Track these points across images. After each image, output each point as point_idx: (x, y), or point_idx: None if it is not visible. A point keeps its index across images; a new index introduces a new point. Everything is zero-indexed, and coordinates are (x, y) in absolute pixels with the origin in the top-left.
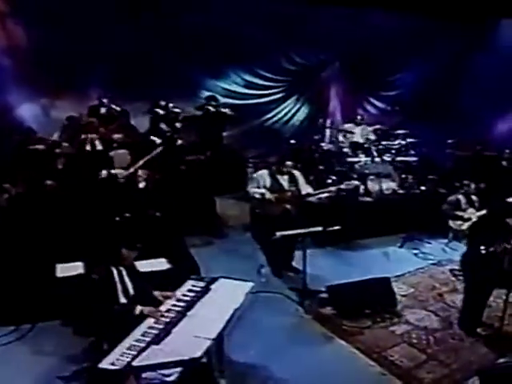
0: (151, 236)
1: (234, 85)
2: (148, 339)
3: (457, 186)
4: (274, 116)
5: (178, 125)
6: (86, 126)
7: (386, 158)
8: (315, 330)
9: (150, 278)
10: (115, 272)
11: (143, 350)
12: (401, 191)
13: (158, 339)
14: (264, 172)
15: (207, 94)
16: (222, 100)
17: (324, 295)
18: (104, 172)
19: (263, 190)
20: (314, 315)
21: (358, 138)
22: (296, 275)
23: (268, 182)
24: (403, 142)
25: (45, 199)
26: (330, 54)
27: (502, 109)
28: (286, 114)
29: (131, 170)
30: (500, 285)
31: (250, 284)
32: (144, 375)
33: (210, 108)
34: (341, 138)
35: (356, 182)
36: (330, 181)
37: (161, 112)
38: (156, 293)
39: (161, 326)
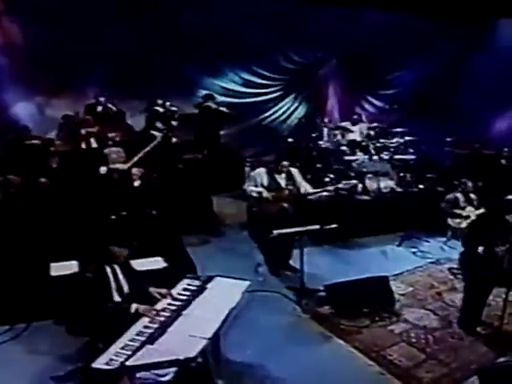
0: (147, 234)
1: (232, 83)
2: (143, 339)
3: (455, 184)
4: (271, 114)
5: (174, 123)
6: (81, 123)
7: (384, 156)
8: (313, 329)
9: (147, 276)
10: (109, 270)
11: (138, 349)
12: (399, 189)
13: (152, 339)
14: (261, 170)
15: (205, 92)
16: (220, 98)
17: (322, 294)
18: (103, 168)
19: (260, 189)
20: (312, 314)
21: (355, 136)
22: (293, 274)
23: (265, 181)
24: (401, 140)
25: (38, 197)
26: (327, 52)
27: (500, 107)
28: (283, 113)
29: (128, 164)
30: (499, 283)
31: (247, 283)
32: (138, 375)
33: (209, 105)
34: (338, 137)
35: (354, 181)
36: (327, 179)
37: (157, 110)
38: (151, 289)
39: (156, 326)
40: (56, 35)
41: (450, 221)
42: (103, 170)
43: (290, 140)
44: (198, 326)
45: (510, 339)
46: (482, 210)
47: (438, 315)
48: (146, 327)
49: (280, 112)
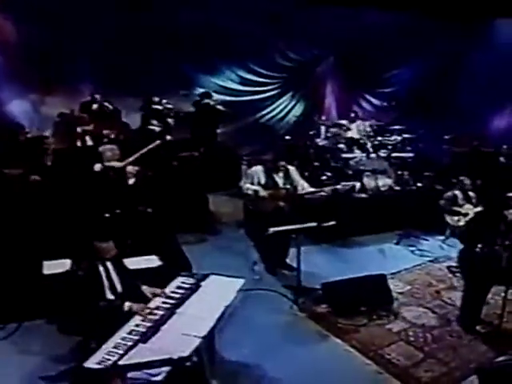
0: (142, 232)
1: (229, 81)
2: (135, 337)
3: (454, 182)
4: (268, 113)
5: (170, 121)
6: (77, 121)
7: (382, 153)
8: (310, 328)
9: (141, 275)
10: (101, 268)
11: (130, 348)
12: (397, 188)
13: (145, 337)
14: (258, 168)
15: (201, 90)
16: (217, 97)
17: (319, 292)
18: (98, 166)
19: (257, 187)
20: (309, 313)
21: (353, 133)
22: (290, 272)
23: (262, 179)
24: (399, 138)
25: (31, 194)
26: (324, 50)
27: (498, 105)
28: (281, 111)
29: (124, 162)
30: (499, 282)
31: (242, 281)
32: (130, 375)
33: (206, 103)
34: (337, 135)
35: (352, 183)
36: (325, 177)
37: (153, 108)
38: (144, 287)
39: (149, 324)
40: (51, 32)
41: (448, 218)
42: (98, 167)
43: (287, 138)
44: (191, 324)
45: (510, 338)
46: (480, 208)
47: (437, 314)
48: (138, 326)
49: (277, 110)
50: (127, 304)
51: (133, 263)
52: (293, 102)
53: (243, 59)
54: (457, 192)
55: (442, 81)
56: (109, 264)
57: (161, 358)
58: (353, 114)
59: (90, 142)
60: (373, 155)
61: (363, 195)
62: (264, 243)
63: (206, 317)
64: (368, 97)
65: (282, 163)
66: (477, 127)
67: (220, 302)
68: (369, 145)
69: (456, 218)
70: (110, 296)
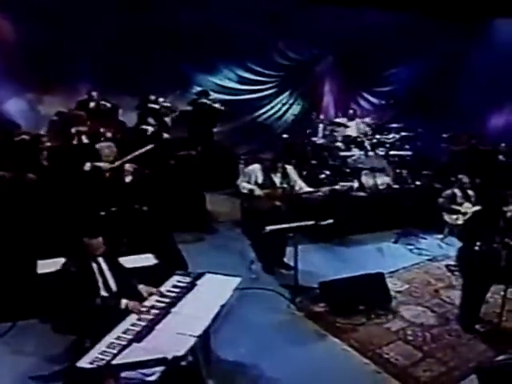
0: (138, 231)
1: (227, 80)
2: (130, 337)
3: (452, 180)
4: (266, 111)
5: (167, 119)
6: (73, 119)
7: (380, 152)
8: (307, 327)
9: (137, 273)
10: (94, 265)
11: (124, 348)
12: (395, 186)
13: (139, 337)
14: (256, 167)
15: (199, 89)
16: (215, 95)
17: (316, 291)
18: (88, 164)
19: (253, 186)
20: (306, 312)
21: (351, 131)
22: (288, 271)
23: (260, 178)
24: (397, 136)
25: (25, 193)
26: (323, 49)
27: (497, 104)
28: (279, 110)
29: (117, 163)
30: (498, 280)
31: (238, 279)
32: (123, 374)
33: (203, 101)
34: (334, 133)
35: (351, 184)
36: (323, 176)
37: (149, 107)
38: (140, 286)
39: (143, 323)
40: (49, 31)
41: (446, 217)
42: (87, 166)
43: (285, 136)
44: (187, 323)
45: (509, 337)
46: (479, 207)
47: (436, 313)
48: (133, 325)
49: (275, 109)
50: (124, 301)
51: (129, 262)
52: (291, 101)
53: (241, 58)
54: (456, 190)
55: (441, 80)
56: (101, 261)
57: (155, 357)
58: (351, 111)
59: (86, 141)
60: (371, 153)
61: (361, 193)
62: (261, 242)
63: (201, 316)
64: (366, 95)
65: (280, 164)
66: (475, 126)
67: (216, 300)
68: (367, 143)
69: (454, 216)
70: (104, 294)
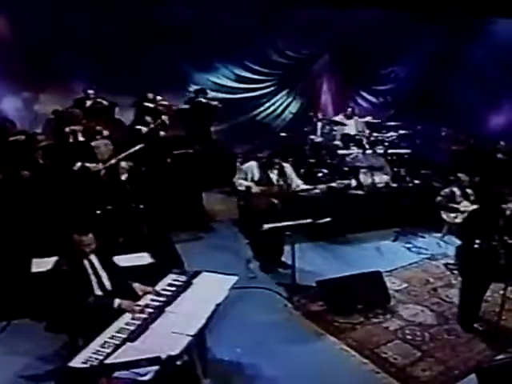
0: (133, 229)
1: (224, 78)
2: (123, 336)
3: (451, 179)
4: (264, 110)
5: (164, 117)
6: (69, 118)
7: (378, 150)
8: (305, 326)
9: (132, 272)
10: (87, 263)
11: (118, 347)
12: (394, 184)
13: (134, 336)
14: (253, 164)
15: (196, 87)
16: (212, 94)
17: (314, 290)
18: (78, 164)
19: (249, 183)
20: (304, 311)
21: (350, 130)
22: (285, 270)
23: (256, 175)
24: (395, 134)
25: (20, 190)
26: (321, 47)
27: (495, 101)
28: (277, 108)
29: (107, 164)
30: (497, 279)
31: (235, 278)
32: (117, 374)
33: (199, 101)
34: (332, 131)
35: (348, 181)
36: (320, 174)
37: (144, 105)
38: (135, 285)
39: (138, 322)
40: (44, 29)
41: (444, 215)
42: (77, 166)
43: (283, 134)
44: (182, 322)
45: (508, 336)
46: (478, 205)
47: (434, 312)
48: (127, 324)
49: (273, 107)
50: (117, 301)
51: (124, 260)
52: (289, 99)
53: (239, 56)
54: (454, 189)
55: (439, 78)
56: (94, 260)
57: (148, 356)
58: (350, 110)
59: (81, 139)
60: (369, 151)
61: (359, 192)
62: (258, 240)
63: (196, 315)
64: (364, 94)
65: (276, 160)
66: (474, 124)
67: (212, 299)
68: (365, 141)
69: (452, 214)
70: (98, 293)
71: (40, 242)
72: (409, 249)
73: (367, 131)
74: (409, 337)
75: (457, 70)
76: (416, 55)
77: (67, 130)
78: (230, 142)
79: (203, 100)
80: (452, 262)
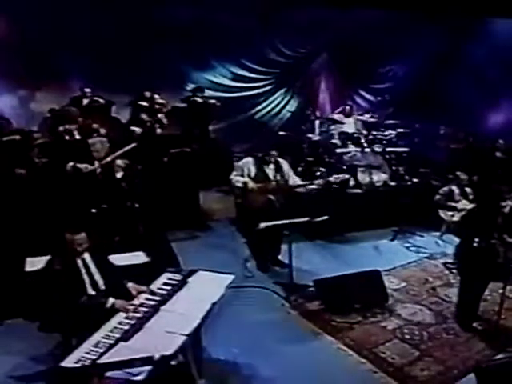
0: (129, 228)
1: (222, 77)
2: (117, 335)
3: (450, 178)
4: (262, 109)
5: (160, 116)
6: (65, 116)
7: (377, 148)
8: (302, 325)
9: (128, 271)
10: (80, 263)
11: (111, 347)
12: (392, 183)
13: (127, 335)
14: (249, 160)
15: (193, 86)
16: (210, 93)
17: (311, 289)
18: (70, 164)
19: (246, 179)
20: (301, 311)
21: (348, 128)
22: (282, 269)
23: (253, 172)
24: (394, 133)
25: (15, 189)
26: (318, 46)
27: (494, 100)
28: (274, 107)
29: (102, 162)
30: (496, 278)
31: (231, 277)
32: (109, 374)
33: (197, 99)
34: (330, 129)
35: (345, 175)
36: (318, 173)
37: (142, 104)
38: (129, 284)
39: (132, 322)
40: (41, 28)
41: (442, 213)
42: (69, 166)
43: (281, 133)
44: (177, 321)
45: (508, 335)
46: (476, 204)
47: (433, 311)
48: (121, 323)
49: (271, 106)
50: (110, 300)
51: (119, 259)
52: (287, 98)
53: (236, 55)
54: (453, 187)
55: (438, 76)
56: (88, 259)
57: (141, 356)
58: (348, 108)
59: (77, 136)
60: (367, 150)
61: (358, 190)
62: (255, 239)
63: (191, 314)
64: (363, 93)
65: (273, 152)
66: (473, 122)
67: (207, 298)
68: (363, 139)
69: (450, 213)
70: (91, 292)
71: (34, 240)
72: (407, 248)
73: (365, 129)
74: (407, 336)
75: (455, 69)
76: (415, 54)
77: (63, 128)
78: (228, 141)
79: (199, 99)
80: (451, 261)
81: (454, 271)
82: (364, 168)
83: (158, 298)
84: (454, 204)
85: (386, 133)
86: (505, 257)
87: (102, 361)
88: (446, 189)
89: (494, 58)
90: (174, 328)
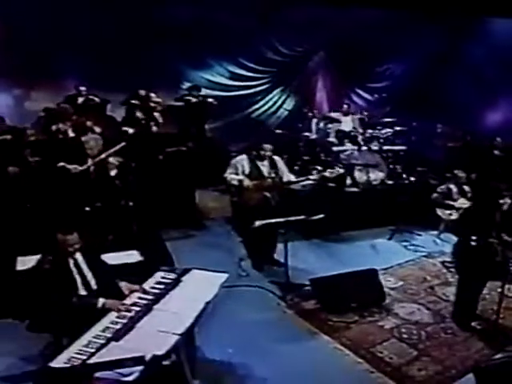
0: (123, 227)
1: (218, 76)
2: (108, 335)
3: (448, 176)
4: (259, 108)
5: (156, 114)
6: (59, 113)
7: (374, 147)
8: (298, 325)
9: (121, 270)
10: (71, 262)
11: (102, 347)
12: (390, 182)
13: (119, 335)
14: (243, 157)
15: (189, 84)
16: (207, 92)
17: (307, 288)
18: (59, 165)
19: (241, 177)
20: (297, 310)
21: (346, 126)
22: (278, 268)
23: (247, 169)
24: (391, 131)
25: (8, 187)
26: (315, 44)
27: (492, 99)
28: (271, 106)
29: (95, 160)
30: (494, 276)
31: (225, 275)
32: (99, 375)
33: (192, 98)
34: (328, 129)
35: (340, 170)
36: (315, 171)
37: (134, 102)
38: (122, 283)
39: (123, 321)
40: (36, 27)
41: (439, 212)
42: (59, 166)
43: (278, 131)
44: (169, 321)
45: (507, 334)
46: (474, 202)
47: (431, 310)
48: (112, 323)
49: (268, 105)
50: (101, 300)
51: (112, 258)
52: (284, 97)
53: (233, 54)
54: (451, 186)
55: (435, 75)
56: (80, 259)
57: (132, 356)
58: (345, 106)
59: (71, 134)
60: (364, 148)
61: (355, 189)
62: (250, 237)
63: (185, 313)
64: (360, 91)
65: (268, 146)
66: (471, 121)
67: (201, 297)
68: (360, 138)
69: (448, 211)
70: (83, 292)
71: (27, 239)
72: (405, 246)
73: (362, 127)
74: (405, 335)
75: (453, 68)
76: (412, 53)
77: (56, 126)
78: (225, 140)
79: (193, 99)
80: (449, 259)
81: (452, 270)
82: (361, 166)
83: (150, 297)
84: (451, 202)
85: (383, 131)
86: (503, 255)
87: (92, 361)
88: (443, 187)
89: (492, 57)
90: (167, 327)
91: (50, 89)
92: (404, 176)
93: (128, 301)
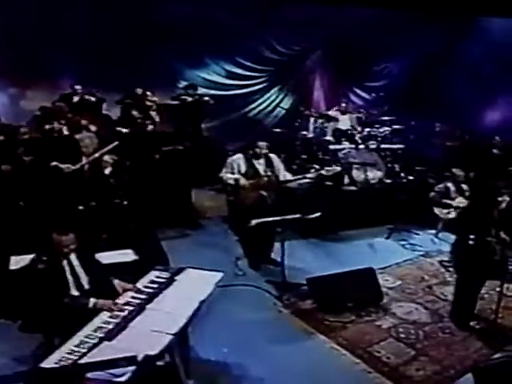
0: (117, 226)
1: (215, 75)
2: (100, 335)
3: (446, 175)
4: (256, 106)
5: (152, 113)
6: (54, 112)
7: (371, 145)
8: (294, 325)
9: (115, 269)
10: (65, 262)
11: (94, 346)
12: (388, 180)
13: (111, 335)
14: (239, 156)
15: (185, 83)
16: (203, 91)
17: (304, 288)
18: (52, 164)
19: (237, 176)
20: (294, 310)
21: (343, 125)
22: (275, 267)
23: (243, 168)
24: (388, 129)
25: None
26: (312, 43)
27: (490, 98)
28: (269, 105)
29: (89, 158)
30: (492, 275)
31: (220, 274)
32: (91, 375)
33: (188, 97)
34: (325, 129)
35: (337, 168)
36: (312, 170)
37: (128, 101)
38: (116, 281)
39: (116, 321)
40: (32, 26)
41: (437, 211)
42: (52, 165)
43: (275, 130)
44: (163, 320)
45: (506, 334)
46: (472, 201)
47: (429, 309)
48: (105, 322)
49: (265, 104)
50: (92, 300)
51: (107, 257)
52: (281, 96)
53: (230, 52)
54: (449, 184)
55: (433, 74)
56: (73, 258)
57: (124, 356)
58: (343, 105)
59: (66, 133)
60: (362, 147)
61: (352, 188)
62: (247, 236)
63: (178, 312)
64: (358, 90)
65: (263, 144)
66: (469, 120)
67: (195, 296)
68: (357, 136)
69: (445, 210)
70: (74, 292)
71: (21, 238)
72: (403, 246)
73: (360, 126)
74: (402, 335)
75: (451, 67)
76: (410, 52)
77: (50, 124)
78: (221, 139)
79: (189, 98)
80: (447, 258)
81: (451, 269)
82: (359, 165)
83: (144, 297)
84: (449, 201)
85: (381, 129)
86: (501, 254)
87: (83, 361)
88: (441, 186)
89: (490, 56)
90: (160, 327)
91: (46, 88)
92: (402, 175)
93: (121, 300)
